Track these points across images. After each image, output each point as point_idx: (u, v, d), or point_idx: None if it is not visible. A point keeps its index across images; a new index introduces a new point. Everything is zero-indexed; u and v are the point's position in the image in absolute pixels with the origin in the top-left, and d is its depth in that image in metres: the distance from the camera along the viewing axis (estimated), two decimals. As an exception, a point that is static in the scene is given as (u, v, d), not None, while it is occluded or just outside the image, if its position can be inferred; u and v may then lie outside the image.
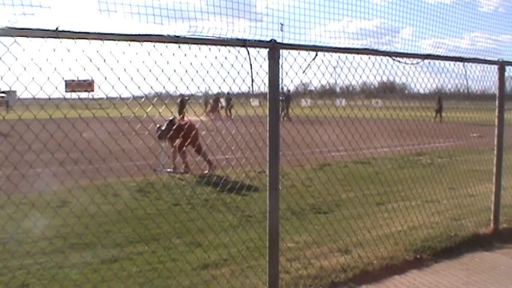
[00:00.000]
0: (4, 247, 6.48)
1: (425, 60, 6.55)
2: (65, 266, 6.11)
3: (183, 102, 34.01)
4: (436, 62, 7.06)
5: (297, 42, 5.25)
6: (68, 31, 3.92)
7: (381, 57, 6.18)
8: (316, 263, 6.17)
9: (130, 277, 5.81)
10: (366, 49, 5.94)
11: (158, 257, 6.32)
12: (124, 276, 5.79)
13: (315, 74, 5.60)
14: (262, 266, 5.66)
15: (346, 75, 6.05)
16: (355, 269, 6.10)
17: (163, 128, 13.33)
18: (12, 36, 3.81)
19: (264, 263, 5.47)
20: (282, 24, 5.42)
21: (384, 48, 6.24)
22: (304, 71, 5.30)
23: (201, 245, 6.76)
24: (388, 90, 10.12)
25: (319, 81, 5.89)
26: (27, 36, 3.82)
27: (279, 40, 4.89)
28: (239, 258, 6.12)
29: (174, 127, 12.25)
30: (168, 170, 13.92)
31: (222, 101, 40.23)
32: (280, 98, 5.02)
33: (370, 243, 6.81)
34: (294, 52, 5.20)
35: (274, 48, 4.82)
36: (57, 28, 3.85)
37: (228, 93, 26.79)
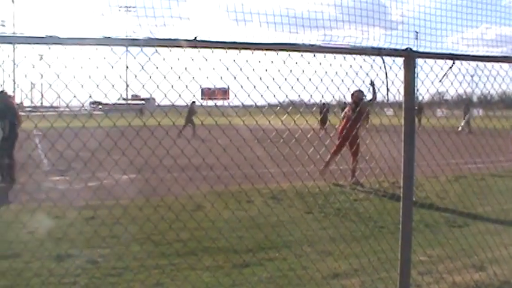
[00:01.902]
0: (141, 247, 6.79)
1: None
2: (197, 268, 6.28)
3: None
4: None
5: (433, 51, 5.12)
6: (206, 41, 4.04)
7: (523, 65, 5.89)
8: (448, 278, 5.98)
9: (261, 282, 5.89)
10: (506, 57, 5.69)
11: (289, 264, 6.36)
12: (254, 282, 5.89)
13: (451, 83, 5.45)
14: (393, 278, 5.55)
15: (484, 84, 5.83)
16: (489, 287, 5.86)
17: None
18: (153, 46, 4.01)
19: (395, 275, 5.36)
20: (417, 32, 5.32)
21: (525, 55, 5.96)
22: (440, 80, 5.16)
23: (332, 254, 6.76)
24: (530, 100, 9.64)
25: (456, 91, 5.73)
26: (167, 46, 4.00)
27: (414, 48, 4.80)
28: (370, 269, 6.04)
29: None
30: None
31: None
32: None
33: (507, 260, 6.46)
34: (429, 60, 5.09)
35: (409, 57, 4.72)
36: (195, 38, 4.00)
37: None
